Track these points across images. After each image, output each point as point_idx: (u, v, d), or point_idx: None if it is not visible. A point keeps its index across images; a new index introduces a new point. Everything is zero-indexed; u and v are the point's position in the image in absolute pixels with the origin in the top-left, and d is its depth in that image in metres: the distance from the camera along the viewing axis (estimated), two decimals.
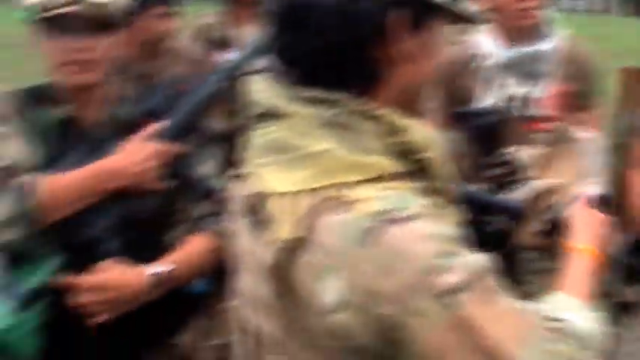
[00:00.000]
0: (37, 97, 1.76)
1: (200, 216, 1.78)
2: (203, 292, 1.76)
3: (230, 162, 1.96)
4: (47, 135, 1.71)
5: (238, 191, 1.24)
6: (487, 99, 2.58)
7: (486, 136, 1.87)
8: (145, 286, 1.65)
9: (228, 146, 3.26)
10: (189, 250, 1.73)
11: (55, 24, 1.67)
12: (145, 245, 1.72)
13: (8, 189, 1.58)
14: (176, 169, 1.75)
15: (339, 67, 1.08)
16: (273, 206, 1.08)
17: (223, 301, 1.96)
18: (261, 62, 2.97)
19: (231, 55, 3.62)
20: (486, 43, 2.66)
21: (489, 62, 2.63)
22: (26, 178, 1.60)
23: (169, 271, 1.67)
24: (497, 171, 1.76)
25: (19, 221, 1.57)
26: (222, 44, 3.63)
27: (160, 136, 1.73)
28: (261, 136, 1.13)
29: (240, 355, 1.26)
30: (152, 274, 1.65)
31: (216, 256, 1.72)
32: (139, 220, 1.71)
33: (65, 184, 1.64)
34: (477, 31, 2.74)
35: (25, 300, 1.58)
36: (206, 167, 1.82)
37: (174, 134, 1.75)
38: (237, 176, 1.27)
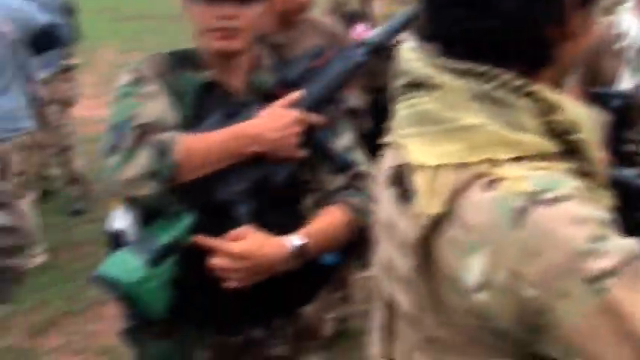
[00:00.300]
0: (180, 61, 1.79)
1: (335, 188, 1.78)
2: (334, 265, 1.76)
3: (363, 136, 1.97)
4: (189, 97, 1.74)
5: (384, 162, 1.23)
6: (628, 81, 2.47)
7: (621, 118, 1.80)
8: (283, 258, 1.66)
9: (363, 121, 3.28)
10: (324, 222, 1.73)
11: None
12: (277, 212, 1.73)
13: (148, 145, 1.60)
14: (313, 139, 1.75)
15: (511, 45, 1.04)
16: (418, 179, 1.05)
17: (349, 274, 1.96)
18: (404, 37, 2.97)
19: (360, 29, 3.63)
20: (632, 24, 2.55)
21: (633, 43, 2.52)
22: (166, 136, 1.62)
23: (306, 244, 1.68)
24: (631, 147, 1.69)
25: (156, 177, 1.59)
26: (353, 18, 3.63)
27: (299, 105, 1.73)
28: (408, 106, 1.11)
29: (376, 326, 1.26)
30: (291, 247, 1.66)
31: (350, 229, 1.73)
32: (274, 186, 1.71)
33: (204, 144, 1.66)
34: (623, 11, 2.63)
35: (157, 255, 1.62)
36: (342, 140, 1.82)
37: (312, 105, 1.75)
38: (384, 146, 1.26)
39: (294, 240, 1.67)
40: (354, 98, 3.28)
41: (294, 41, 3.01)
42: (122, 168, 1.60)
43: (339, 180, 1.78)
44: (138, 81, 1.72)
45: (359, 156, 1.81)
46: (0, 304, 1.36)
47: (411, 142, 1.09)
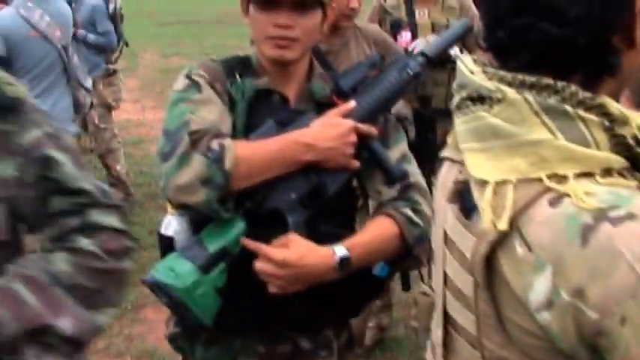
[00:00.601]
0: (235, 67, 1.79)
1: (387, 199, 1.76)
2: (382, 276, 1.75)
3: (414, 149, 1.95)
4: (243, 104, 1.74)
5: (443, 176, 1.21)
6: None
7: None
8: (331, 268, 1.64)
9: (415, 131, 3.25)
10: (373, 233, 1.71)
11: None
12: (329, 222, 1.72)
13: (202, 152, 1.59)
14: (366, 150, 1.74)
15: (577, 55, 1.02)
16: (481, 195, 1.03)
17: (389, 282, 1.93)
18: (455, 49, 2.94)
19: (406, 37, 3.63)
20: None
21: None
22: (220, 143, 1.61)
23: (355, 254, 1.66)
24: None
25: (209, 184, 1.58)
26: (396, 26, 3.63)
27: (353, 115, 1.71)
28: (469, 120, 1.08)
29: (433, 343, 1.23)
30: (335, 258, 1.64)
31: (400, 241, 1.71)
32: (326, 196, 1.70)
33: (258, 152, 1.65)
34: None
35: (209, 262, 1.62)
36: (395, 151, 1.79)
37: (367, 115, 1.73)
38: (443, 161, 1.24)
39: (339, 250, 1.65)
40: (402, 107, 3.27)
41: (340, 49, 3.01)
42: (176, 174, 1.59)
43: (391, 191, 1.76)
44: (193, 87, 1.72)
45: (411, 167, 1.79)
46: (111, 307, 1.35)
47: (473, 157, 1.07)
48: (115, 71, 5.79)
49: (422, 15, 3.65)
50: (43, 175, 1.32)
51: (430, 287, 1.38)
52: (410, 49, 3.42)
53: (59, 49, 4.11)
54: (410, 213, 1.71)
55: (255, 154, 1.64)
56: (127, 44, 6.12)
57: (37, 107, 1.37)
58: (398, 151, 1.80)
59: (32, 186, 1.31)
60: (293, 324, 1.76)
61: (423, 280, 2.98)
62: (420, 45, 3.36)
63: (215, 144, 1.60)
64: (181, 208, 1.64)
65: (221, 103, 1.71)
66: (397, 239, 1.71)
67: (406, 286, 2.01)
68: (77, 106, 4.30)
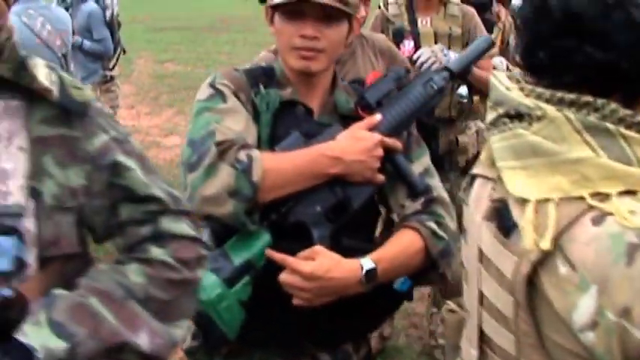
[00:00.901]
0: (259, 77, 1.77)
1: (410, 213, 1.74)
2: (404, 291, 1.73)
3: (436, 162, 1.94)
4: (267, 114, 1.72)
5: (477, 193, 1.20)
6: None
7: None
8: (357, 281, 1.62)
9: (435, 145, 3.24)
10: (398, 246, 1.68)
11: (294, 8, 1.68)
12: (352, 236, 1.70)
13: (229, 163, 1.57)
14: (390, 163, 1.72)
15: (620, 77, 1.02)
16: (520, 213, 1.03)
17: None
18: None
19: (408, 46, 3.62)
20: None
21: None
22: (247, 154, 1.59)
23: (381, 268, 1.64)
24: None
25: (236, 196, 1.56)
26: (399, 35, 3.62)
27: (378, 128, 1.70)
28: (509, 137, 1.08)
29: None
30: (362, 271, 1.62)
31: (424, 255, 1.69)
32: (351, 210, 1.68)
33: (287, 164, 1.63)
34: None
35: (234, 274, 1.60)
36: (418, 165, 1.78)
37: (392, 129, 1.72)
38: (476, 178, 1.23)
39: (366, 264, 1.63)
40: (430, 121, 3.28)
41: (347, 58, 2.99)
42: (203, 185, 1.57)
43: (415, 205, 1.74)
44: (217, 96, 1.70)
45: (434, 181, 1.78)
46: (185, 319, 1.28)
47: (512, 175, 1.06)
48: (112, 78, 5.77)
49: (424, 24, 3.64)
50: (112, 182, 1.25)
51: (457, 305, 1.37)
52: (414, 58, 3.41)
53: (59, 57, 4.09)
54: (434, 226, 1.70)
55: (282, 166, 1.62)
56: (124, 51, 6.10)
57: (103, 110, 1.30)
58: (421, 165, 1.78)
59: (101, 194, 1.24)
60: (315, 338, 1.74)
61: (444, 296, 3.00)
62: (424, 55, 3.35)
63: (243, 155, 1.58)
64: (206, 219, 1.62)
65: (246, 113, 1.70)
66: (421, 253, 1.69)
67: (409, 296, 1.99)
68: None
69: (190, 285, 1.29)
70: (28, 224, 1.15)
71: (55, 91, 1.19)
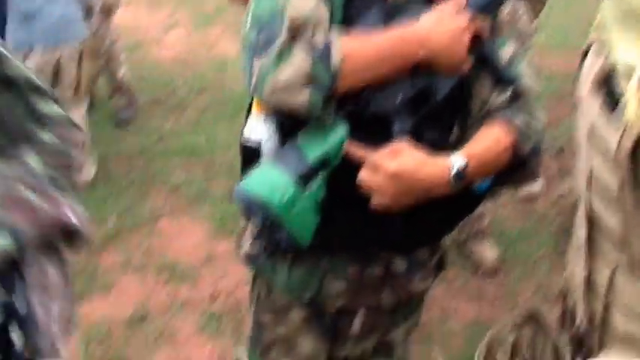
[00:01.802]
0: None
1: (498, 105, 1.54)
2: (485, 191, 1.55)
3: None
4: None
5: (588, 67, 1.05)
6: None
7: None
8: (446, 181, 1.45)
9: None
10: (487, 142, 1.50)
11: None
12: (434, 129, 1.52)
13: (304, 45, 1.38)
14: (478, 49, 1.51)
15: None
16: (627, 84, 0.89)
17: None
18: None
19: None
20: None
21: None
22: (324, 36, 1.40)
23: (471, 166, 1.46)
24: None
25: (315, 83, 1.37)
26: None
27: (467, 8, 1.49)
28: (617, 4, 0.91)
29: (575, 244, 1.11)
30: (453, 169, 1.44)
31: (511, 153, 1.50)
32: (435, 100, 1.49)
33: (368, 48, 1.43)
34: None
35: (309, 173, 1.44)
36: (506, 50, 1.56)
37: (481, 9, 1.50)
38: (588, 49, 1.11)
39: (457, 161, 1.45)
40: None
41: None
42: (275, 71, 1.38)
43: (502, 95, 1.54)
44: None
45: (524, 68, 1.56)
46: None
47: (625, 43, 0.93)
48: None
49: None
50: None
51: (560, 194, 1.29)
52: None
53: None
54: (522, 123, 1.51)
55: (363, 50, 1.42)
56: None
57: None
58: (510, 49, 1.56)
59: None
60: (390, 242, 1.58)
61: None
62: None
63: (319, 37, 1.39)
64: (277, 109, 1.43)
65: None
66: (509, 151, 1.50)
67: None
68: (87, 9, 4.05)
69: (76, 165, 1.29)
70: None
71: None
